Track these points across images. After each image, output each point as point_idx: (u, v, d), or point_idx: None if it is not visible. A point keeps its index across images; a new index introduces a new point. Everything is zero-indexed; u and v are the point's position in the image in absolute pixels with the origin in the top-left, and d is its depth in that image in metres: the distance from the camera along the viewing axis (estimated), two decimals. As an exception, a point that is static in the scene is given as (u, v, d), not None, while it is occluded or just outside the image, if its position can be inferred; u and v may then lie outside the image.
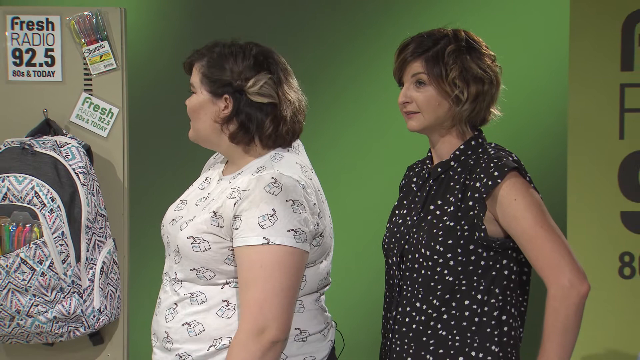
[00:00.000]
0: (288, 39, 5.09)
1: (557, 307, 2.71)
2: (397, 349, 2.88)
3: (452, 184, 2.85)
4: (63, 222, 3.44)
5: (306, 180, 2.78)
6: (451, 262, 2.80)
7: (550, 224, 2.76)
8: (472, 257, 2.80)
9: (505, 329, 2.81)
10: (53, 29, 3.66)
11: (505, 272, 2.82)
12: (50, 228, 3.42)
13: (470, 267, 2.80)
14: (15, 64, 3.66)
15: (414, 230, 2.87)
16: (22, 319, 3.44)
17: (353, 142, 5.23)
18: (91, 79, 3.67)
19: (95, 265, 3.50)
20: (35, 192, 3.43)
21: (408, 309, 2.86)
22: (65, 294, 3.44)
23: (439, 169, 2.89)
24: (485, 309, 2.80)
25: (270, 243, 2.68)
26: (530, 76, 5.02)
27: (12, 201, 3.44)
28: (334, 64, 5.19)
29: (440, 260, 2.80)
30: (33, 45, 3.66)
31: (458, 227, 2.80)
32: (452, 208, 2.82)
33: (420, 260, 2.83)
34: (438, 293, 2.81)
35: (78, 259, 3.46)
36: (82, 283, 3.47)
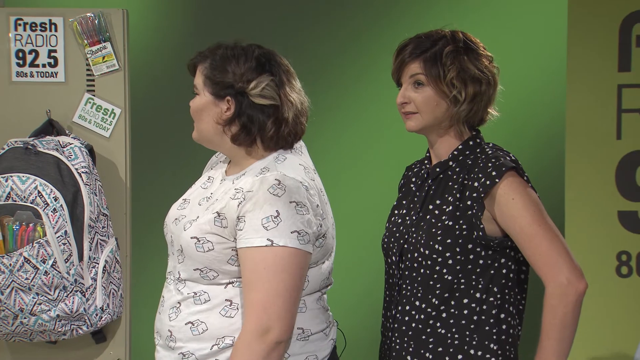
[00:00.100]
0: (288, 41, 5.07)
1: (555, 305, 2.71)
2: (397, 347, 2.89)
3: (450, 183, 2.86)
4: (66, 222, 3.44)
5: (309, 181, 2.78)
6: (450, 261, 2.80)
7: (548, 223, 2.76)
8: (471, 256, 2.80)
9: (504, 327, 2.82)
10: (56, 30, 3.66)
11: (504, 271, 2.82)
12: (53, 227, 3.42)
13: (469, 266, 2.81)
14: (18, 64, 3.67)
15: (413, 229, 2.88)
16: (25, 318, 3.44)
17: (353, 143, 5.21)
18: (94, 79, 3.68)
19: (98, 264, 3.51)
20: (39, 192, 3.43)
21: (408, 307, 2.86)
22: (68, 292, 3.44)
23: (438, 169, 2.89)
24: (484, 307, 2.81)
25: (274, 244, 2.68)
26: (528, 77, 5.01)
27: (15, 201, 3.44)
28: (334, 65, 5.18)
29: (439, 260, 2.81)
30: (36, 46, 3.67)
31: (457, 227, 2.80)
32: (450, 208, 2.82)
33: (420, 259, 2.84)
34: (437, 292, 2.82)
35: (81, 258, 3.47)
36: (84, 282, 3.47)
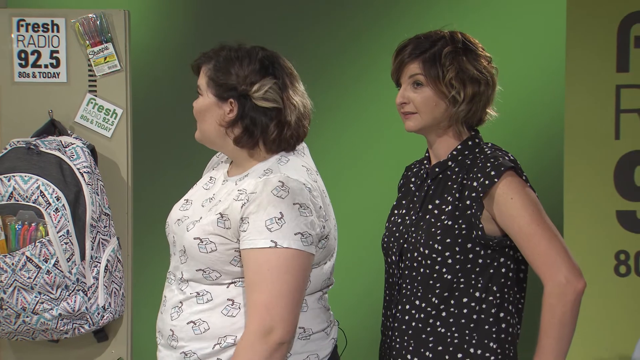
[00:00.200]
0: (289, 41, 5.08)
1: (554, 304, 2.72)
2: (397, 346, 2.89)
3: (449, 183, 2.86)
4: (68, 221, 3.44)
5: (312, 183, 2.79)
6: (449, 261, 2.81)
7: (546, 222, 2.77)
8: (470, 256, 2.81)
9: (503, 325, 2.82)
10: (58, 31, 3.66)
11: (503, 270, 2.83)
12: (56, 227, 3.42)
13: (468, 266, 2.81)
14: (21, 65, 3.66)
15: (413, 229, 2.88)
16: (27, 316, 3.44)
17: (353, 143, 5.21)
18: (95, 80, 3.67)
19: (100, 263, 3.51)
20: (41, 192, 3.43)
21: (407, 307, 2.87)
22: (70, 291, 3.44)
23: (437, 169, 2.90)
24: (484, 306, 2.81)
25: (277, 246, 2.68)
26: (527, 77, 5.01)
27: (18, 200, 3.44)
28: (334, 65, 5.18)
29: (439, 259, 2.82)
30: (38, 47, 3.66)
31: (456, 226, 2.81)
32: (449, 207, 2.83)
33: (419, 259, 2.84)
34: (437, 291, 2.83)
35: (83, 257, 3.47)
36: (86, 281, 3.47)
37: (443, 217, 2.83)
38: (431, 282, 2.83)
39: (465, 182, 2.83)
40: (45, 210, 3.43)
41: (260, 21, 5.18)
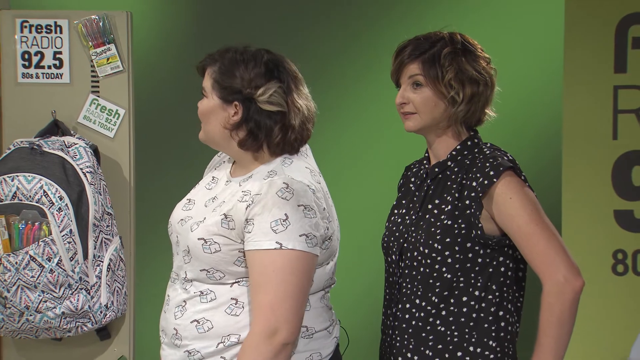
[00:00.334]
0: (289, 41, 5.06)
1: (552, 303, 2.73)
2: (397, 344, 2.90)
3: (449, 183, 2.87)
4: (71, 221, 3.45)
5: (316, 184, 2.79)
6: (449, 260, 2.82)
7: (545, 222, 2.78)
8: (470, 255, 2.82)
9: (502, 324, 2.83)
10: (61, 33, 3.66)
11: (502, 269, 2.84)
12: (59, 226, 3.43)
13: (468, 265, 2.82)
14: (24, 66, 3.67)
15: (413, 229, 2.89)
16: (31, 315, 3.45)
17: (353, 143, 5.18)
18: (98, 81, 3.68)
19: (102, 262, 3.51)
20: (44, 191, 3.44)
21: (408, 305, 2.88)
22: (73, 290, 3.45)
23: (437, 169, 2.91)
24: (483, 305, 2.82)
25: (282, 247, 2.68)
26: (525, 78, 4.99)
27: (21, 200, 3.45)
28: (334, 65, 5.16)
29: (439, 258, 2.83)
30: (42, 48, 3.67)
31: (455, 226, 2.82)
32: (449, 207, 2.84)
33: (419, 258, 2.85)
34: (437, 290, 2.83)
35: (85, 256, 3.47)
36: (89, 280, 3.48)
37: (443, 217, 2.84)
38: (431, 281, 2.84)
39: (464, 182, 2.83)
40: (49, 209, 3.43)
41: (261, 21, 5.16)
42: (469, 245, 2.82)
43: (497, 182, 2.79)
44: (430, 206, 2.89)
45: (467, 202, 2.82)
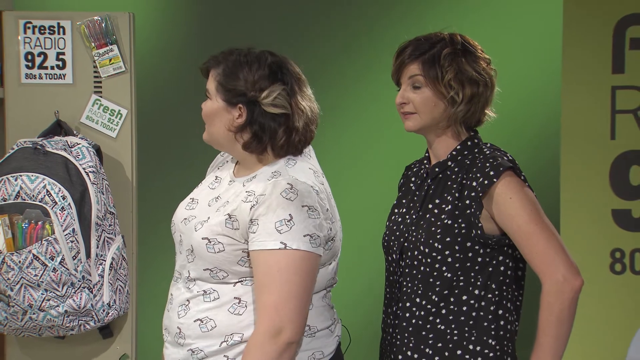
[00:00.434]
0: (289, 41, 5.06)
1: (552, 302, 2.74)
2: (398, 343, 2.91)
3: (449, 183, 2.88)
4: (74, 220, 3.44)
5: (319, 185, 2.80)
6: (449, 259, 2.83)
7: (545, 222, 2.79)
8: (469, 254, 2.83)
9: (502, 322, 2.85)
10: (64, 34, 3.66)
11: (501, 268, 2.85)
12: (62, 225, 3.43)
13: (468, 264, 2.83)
14: (27, 67, 3.66)
15: (413, 228, 2.90)
16: (34, 313, 3.45)
17: (353, 143, 5.17)
18: (101, 81, 3.67)
19: (105, 261, 3.51)
20: (47, 191, 3.43)
21: (408, 304, 2.89)
22: (76, 289, 3.45)
23: (437, 169, 2.92)
24: (482, 303, 2.83)
25: (287, 247, 2.69)
26: (524, 78, 4.98)
27: (24, 199, 3.45)
28: (334, 65, 5.15)
29: (439, 257, 2.84)
30: (45, 49, 3.66)
31: (455, 225, 2.83)
32: (449, 207, 2.85)
33: (419, 257, 2.86)
34: (437, 289, 2.85)
35: (88, 255, 3.47)
36: (92, 278, 3.48)
37: (443, 216, 2.85)
38: (431, 280, 2.85)
39: (464, 182, 2.84)
40: (52, 209, 3.43)
41: (262, 22, 5.14)
42: (469, 244, 2.83)
43: (497, 182, 2.80)
44: (430, 206, 2.90)
45: (467, 201, 2.83)
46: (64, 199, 3.45)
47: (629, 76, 4.26)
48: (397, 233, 2.95)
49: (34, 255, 3.43)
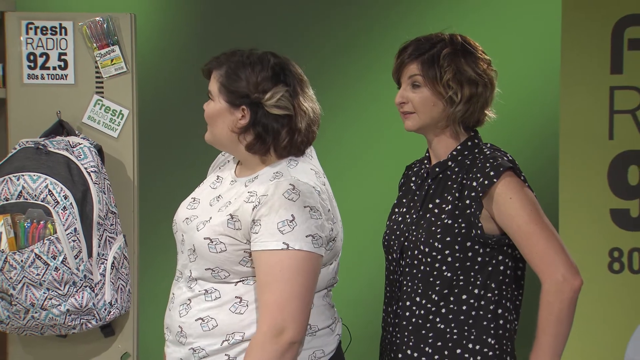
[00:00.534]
0: (289, 41, 5.06)
1: (551, 301, 2.75)
2: (398, 341, 2.91)
3: (449, 183, 2.88)
4: (75, 219, 3.45)
5: (321, 186, 2.80)
6: (449, 259, 2.83)
7: (544, 222, 2.79)
8: (469, 254, 2.84)
9: (501, 322, 2.85)
10: (66, 34, 3.67)
11: (501, 268, 2.85)
12: (63, 225, 3.43)
13: (468, 263, 2.83)
14: (29, 67, 3.67)
15: (413, 227, 2.90)
16: (36, 312, 3.45)
17: (353, 142, 5.16)
18: (102, 81, 3.68)
19: (107, 260, 3.52)
20: (49, 190, 3.44)
21: (408, 303, 2.89)
22: (78, 287, 3.45)
23: (437, 169, 2.92)
24: (482, 303, 2.84)
25: (289, 248, 2.69)
26: (523, 78, 4.97)
27: (26, 199, 3.45)
28: (334, 65, 5.14)
29: (439, 257, 2.84)
30: (47, 49, 3.67)
31: (455, 225, 2.83)
32: (449, 206, 2.85)
33: (420, 256, 2.86)
34: (437, 288, 2.85)
35: (90, 255, 3.48)
36: (93, 277, 3.48)
37: (443, 216, 2.85)
38: (431, 279, 2.86)
39: (464, 182, 2.85)
40: (54, 208, 3.44)
41: (262, 22, 5.12)
42: (468, 244, 2.83)
43: (497, 182, 2.80)
44: (430, 205, 2.91)
45: (467, 201, 2.83)
46: (65, 198, 3.46)
47: (628, 77, 4.26)
48: (398, 232, 2.96)
49: (36, 254, 3.43)
